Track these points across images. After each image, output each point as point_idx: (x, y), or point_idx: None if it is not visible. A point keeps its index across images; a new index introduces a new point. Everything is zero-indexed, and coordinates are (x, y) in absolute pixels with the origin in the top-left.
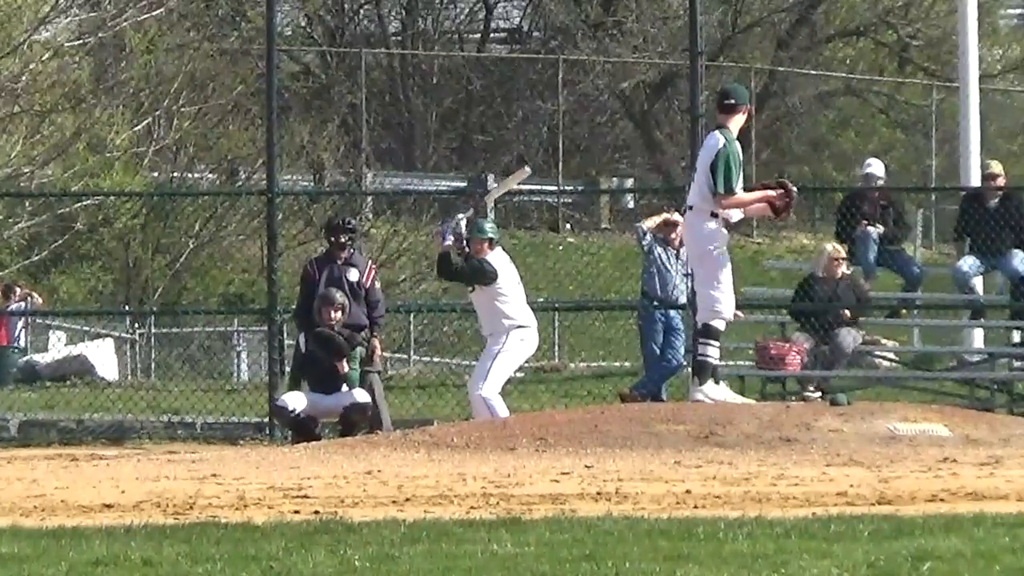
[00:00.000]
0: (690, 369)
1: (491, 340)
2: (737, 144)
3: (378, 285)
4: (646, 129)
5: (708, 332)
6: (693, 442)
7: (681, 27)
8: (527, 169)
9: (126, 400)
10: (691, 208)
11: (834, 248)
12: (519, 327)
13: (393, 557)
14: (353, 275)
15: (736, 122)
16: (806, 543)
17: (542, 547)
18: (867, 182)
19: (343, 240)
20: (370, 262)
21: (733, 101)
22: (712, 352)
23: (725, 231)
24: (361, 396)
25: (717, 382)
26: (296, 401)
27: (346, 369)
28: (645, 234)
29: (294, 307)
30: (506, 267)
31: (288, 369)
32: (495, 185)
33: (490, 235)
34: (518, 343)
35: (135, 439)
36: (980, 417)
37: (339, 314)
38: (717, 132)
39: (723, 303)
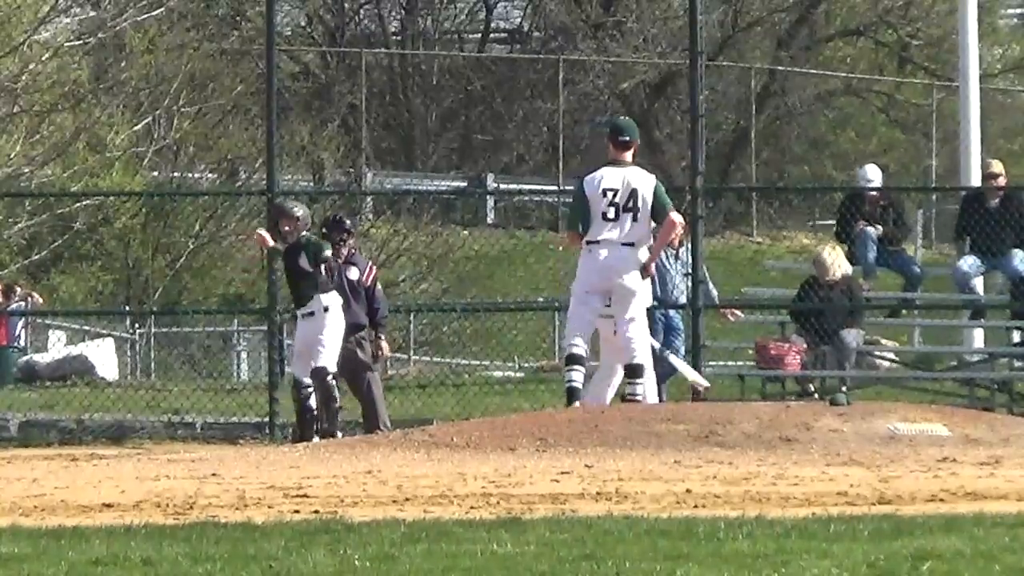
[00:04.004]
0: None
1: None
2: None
3: (379, 286)
4: (646, 129)
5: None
6: (693, 442)
7: (681, 27)
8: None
9: (126, 400)
10: (631, 245)
11: (823, 251)
12: None
13: (393, 557)
14: (353, 274)
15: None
16: (806, 543)
17: (542, 547)
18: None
19: (339, 238)
20: (371, 262)
21: (628, 138)
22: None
23: None
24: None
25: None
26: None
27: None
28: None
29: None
30: None
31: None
32: None
33: None
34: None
35: (135, 439)
36: (980, 417)
37: (291, 227)
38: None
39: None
